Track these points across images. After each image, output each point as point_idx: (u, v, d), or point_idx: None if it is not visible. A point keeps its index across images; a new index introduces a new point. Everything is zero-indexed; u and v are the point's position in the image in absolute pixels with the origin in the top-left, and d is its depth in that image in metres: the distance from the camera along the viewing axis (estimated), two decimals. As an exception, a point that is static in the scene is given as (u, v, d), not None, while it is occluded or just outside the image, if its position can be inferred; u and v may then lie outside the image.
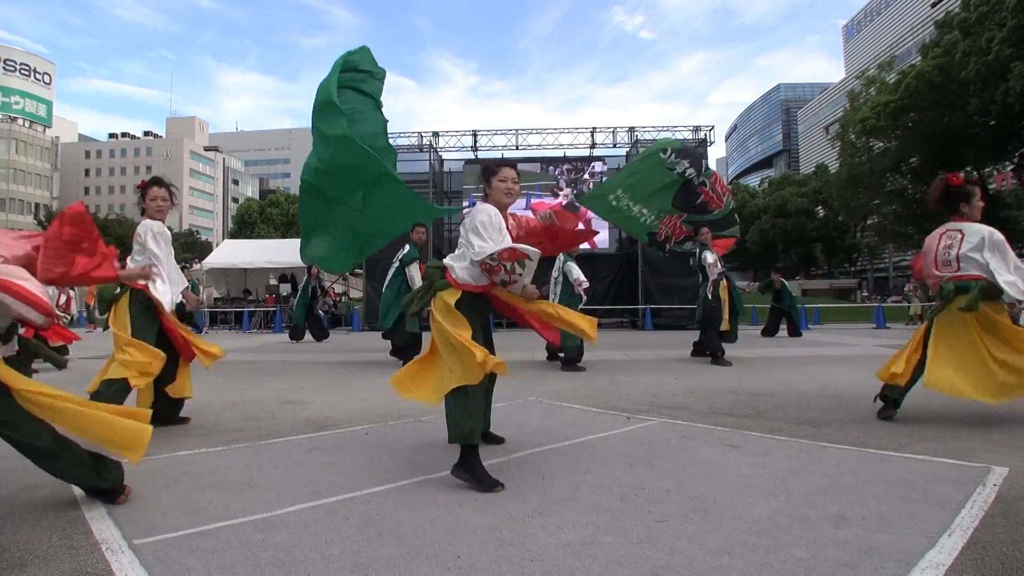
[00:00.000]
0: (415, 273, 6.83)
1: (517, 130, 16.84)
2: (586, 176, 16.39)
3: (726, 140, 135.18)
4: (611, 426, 3.74)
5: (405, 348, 7.05)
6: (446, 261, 2.83)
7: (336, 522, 2.14)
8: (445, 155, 17.22)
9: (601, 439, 3.41)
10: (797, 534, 1.98)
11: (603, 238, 16.58)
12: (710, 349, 7.27)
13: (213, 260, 18.23)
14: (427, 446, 3.28)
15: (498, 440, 3.28)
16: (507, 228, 2.85)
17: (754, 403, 4.46)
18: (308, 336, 11.95)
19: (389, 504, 2.33)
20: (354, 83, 5.43)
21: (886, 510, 2.19)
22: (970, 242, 3.60)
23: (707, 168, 7.79)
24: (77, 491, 2.48)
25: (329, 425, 3.81)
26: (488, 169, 2.99)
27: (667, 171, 7.43)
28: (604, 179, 9.50)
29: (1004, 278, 3.43)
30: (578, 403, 4.53)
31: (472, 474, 2.53)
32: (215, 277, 18.32)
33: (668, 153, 7.39)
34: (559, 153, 16.89)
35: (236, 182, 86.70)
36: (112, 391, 3.21)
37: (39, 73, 62.49)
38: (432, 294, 2.80)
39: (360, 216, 5.48)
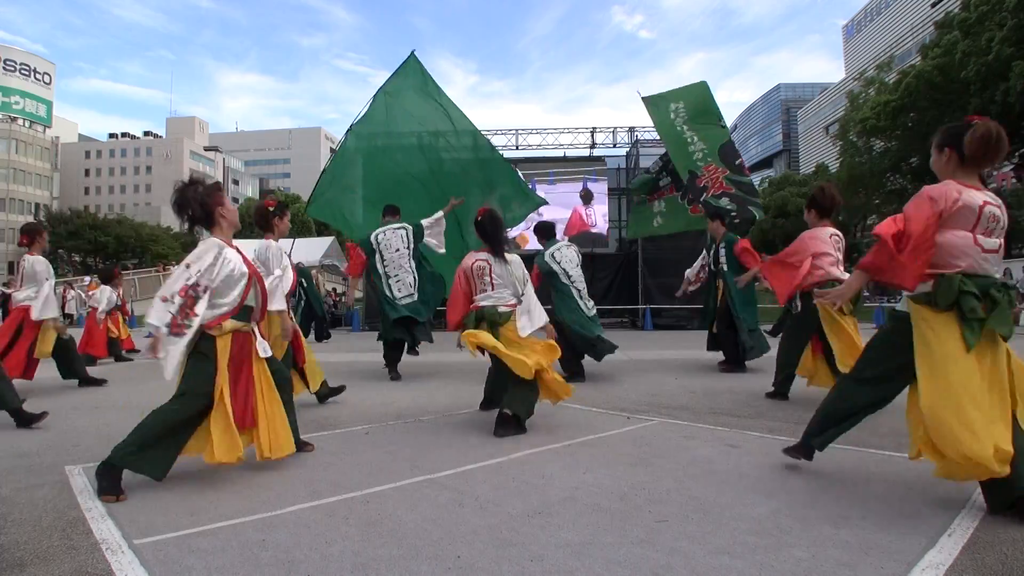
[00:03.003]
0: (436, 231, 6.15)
1: (517, 130, 16.83)
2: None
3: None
4: (611, 426, 3.74)
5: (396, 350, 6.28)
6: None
7: (336, 522, 2.14)
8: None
9: (601, 439, 3.41)
10: (797, 534, 1.98)
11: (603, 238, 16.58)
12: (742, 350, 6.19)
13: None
14: (427, 446, 3.28)
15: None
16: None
17: (754, 403, 4.46)
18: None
19: (389, 504, 2.33)
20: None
21: (886, 510, 2.19)
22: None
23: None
24: (77, 491, 2.49)
25: (329, 425, 3.81)
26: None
27: (717, 119, 7.61)
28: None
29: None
30: (578, 403, 4.53)
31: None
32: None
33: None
34: (559, 153, 16.88)
35: (236, 182, 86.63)
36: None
37: (39, 73, 62.42)
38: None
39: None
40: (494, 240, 3.77)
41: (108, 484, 2.40)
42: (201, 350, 2.59)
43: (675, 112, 7.76)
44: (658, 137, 16.28)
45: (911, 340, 2.20)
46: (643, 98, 8.34)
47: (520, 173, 7.82)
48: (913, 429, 2.28)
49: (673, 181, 8.43)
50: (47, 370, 5.41)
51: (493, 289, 3.71)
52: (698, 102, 7.82)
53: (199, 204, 2.66)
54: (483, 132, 7.52)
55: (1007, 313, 2.11)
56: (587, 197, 16.08)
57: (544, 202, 7.50)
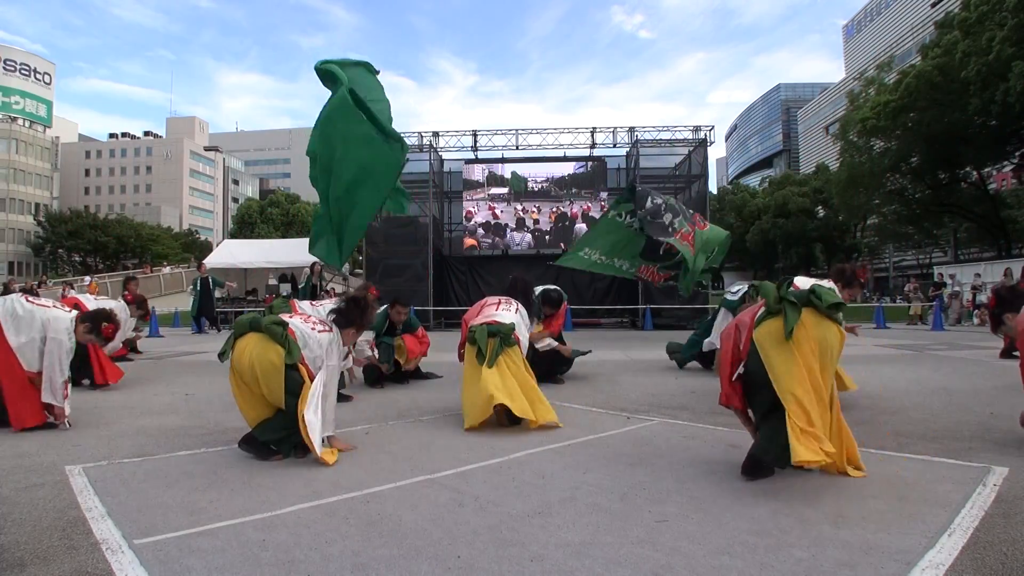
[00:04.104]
0: (363, 345, 5.28)
1: (517, 130, 16.83)
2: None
3: (726, 140, 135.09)
4: (611, 426, 3.74)
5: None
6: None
7: (336, 522, 2.14)
8: (445, 155, 17.21)
9: (601, 439, 3.41)
10: (797, 534, 1.98)
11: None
12: None
13: (213, 260, 18.24)
14: (427, 446, 3.28)
15: None
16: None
17: (754, 403, 4.45)
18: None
19: (389, 504, 2.33)
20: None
21: (886, 510, 2.19)
22: None
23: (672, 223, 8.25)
24: (77, 491, 2.49)
25: (329, 425, 3.80)
26: None
27: (627, 229, 8.35)
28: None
29: None
30: (578, 403, 4.53)
31: None
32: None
33: (623, 216, 8.37)
34: (559, 153, 16.88)
35: (236, 182, 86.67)
36: None
37: (39, 73, 62.38)
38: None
39: (341, 209, 5.91)
40: (518, 297, 4.40)
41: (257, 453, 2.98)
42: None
43: (588, 255, 8.59)
44: (658, 137, 16.42)
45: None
46: (559, 262, 9.40)
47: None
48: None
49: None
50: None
51: (496, 310, 4.12)
52: (607, 234, 8.58)
53: (366, 319, 3.35)
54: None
55: (829, 292, 2.60)
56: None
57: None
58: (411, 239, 15.61)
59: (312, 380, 3.00)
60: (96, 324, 3.96)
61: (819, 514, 2.16)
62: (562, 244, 15.44)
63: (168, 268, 36.03)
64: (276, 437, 2.96)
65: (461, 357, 4.06)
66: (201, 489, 2.53)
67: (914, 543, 1.90)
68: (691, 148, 16.09)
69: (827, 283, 2.86)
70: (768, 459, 2.56)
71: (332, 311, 3.32)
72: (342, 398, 4.65)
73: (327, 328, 3.20)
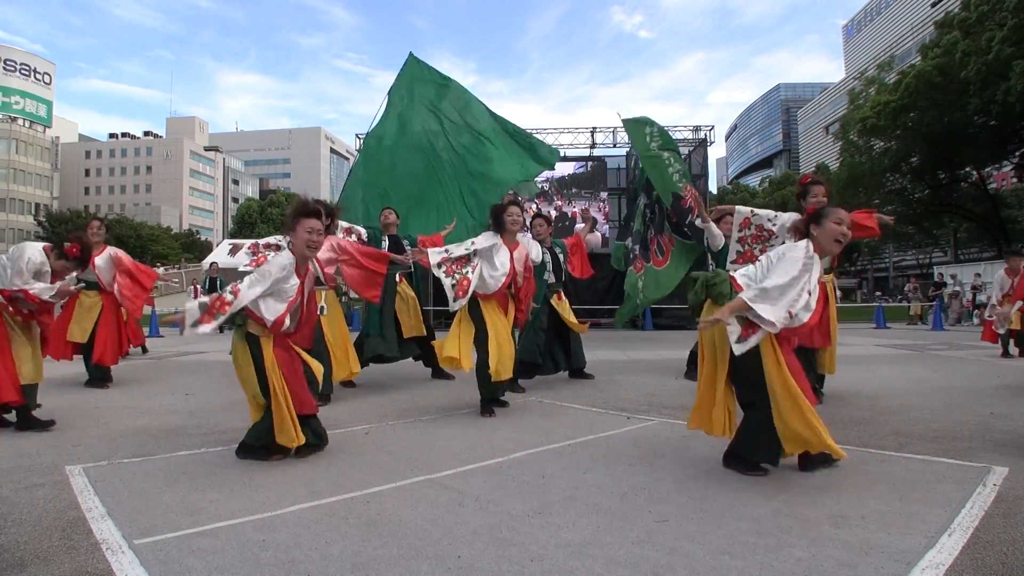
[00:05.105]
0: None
1: (517, 130, 16.83)
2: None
3: (726, 140, 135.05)
4: (611, 426, 3.74)
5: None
6: None
7: (336, 522, 2.14)
8: (445, 155, 17.21)
9: (601, 439, 3.41)
10: (797, 534, 1.98)
11: (601, 238, 16.57)
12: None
13: (213, 260, 18.27)
14: (427, 446, 3.28)
15: None
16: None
17: (754, 403, 4.45)
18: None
19: (389, 504, 2.33)
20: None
21: (886, 510, 2.19)
22: None
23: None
24: (77, 491, 2.49)
25: (329, 425, 3.79)
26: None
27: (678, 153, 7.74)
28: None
29: None
30: (578, 403, 4.53)
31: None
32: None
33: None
34: (559, 153, 16.88)
35: (236, 182, 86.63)
36: None
37: (39, 73, 62.40)
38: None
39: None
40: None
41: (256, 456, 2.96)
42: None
43: (650, 135, 7.65)
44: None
45: None
46: (623, 120, 8.40)
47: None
48: None
49: (646, 230, 8.30)
50: (52, 369, 5.37)
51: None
52: (665, 133, 8.04)
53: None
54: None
55: (720, 283, 2.73)
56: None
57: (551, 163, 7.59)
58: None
59: (275, 340, 2.97)
60: (60, 248, 3.94)
61: (819, 514, 2.16)
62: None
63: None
64: (268, 440, 2.94)
65: None
66: (201, 489, 2.53)
67: (914, 543, 1.90)
68: (691, 148, 16.07)
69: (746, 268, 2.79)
70: (745, 454, 2.67)
71: (269, 247, 3.32)
72: (323, 398, 4.43)
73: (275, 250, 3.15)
